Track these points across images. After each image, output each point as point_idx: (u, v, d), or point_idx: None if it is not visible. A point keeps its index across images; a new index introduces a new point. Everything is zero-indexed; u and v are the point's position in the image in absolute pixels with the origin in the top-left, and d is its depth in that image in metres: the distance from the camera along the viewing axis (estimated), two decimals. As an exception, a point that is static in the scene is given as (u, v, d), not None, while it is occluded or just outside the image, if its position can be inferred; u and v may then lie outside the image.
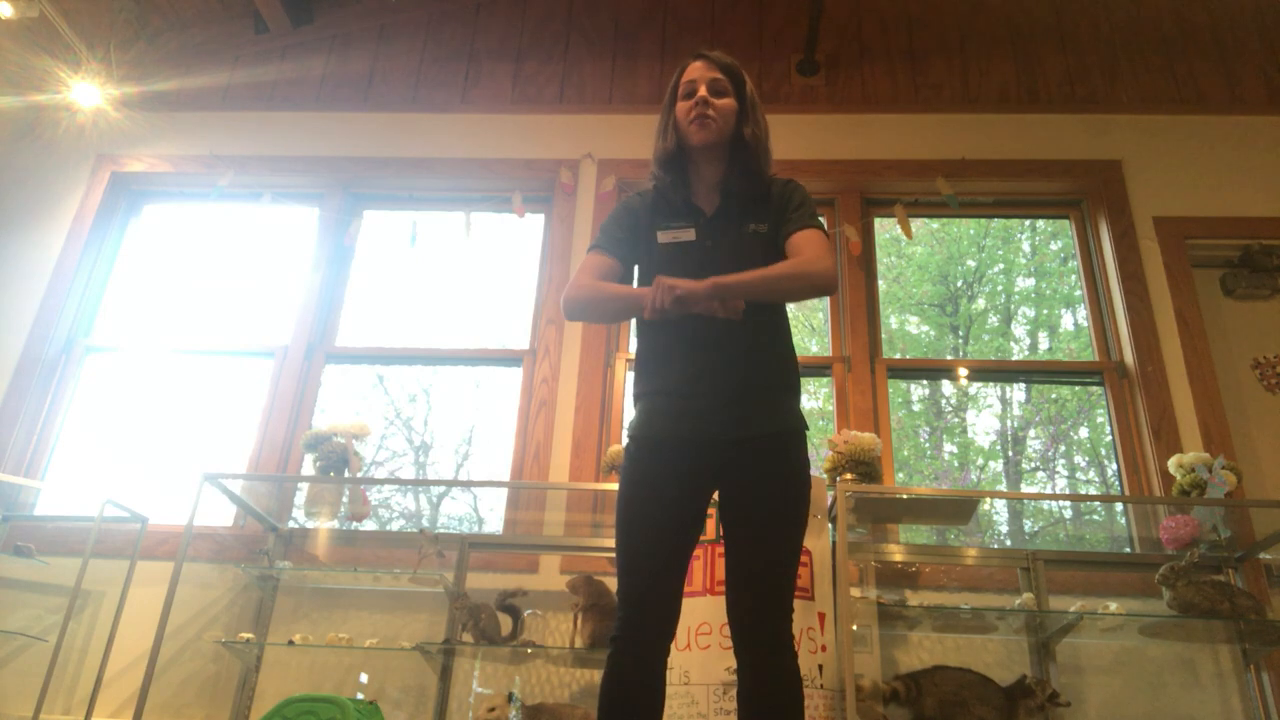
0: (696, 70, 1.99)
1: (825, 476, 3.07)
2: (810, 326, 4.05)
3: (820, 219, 1.96)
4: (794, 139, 3.98)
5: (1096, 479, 3.73)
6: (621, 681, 1.69)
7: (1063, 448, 3.81)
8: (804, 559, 2.65)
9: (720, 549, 2.17)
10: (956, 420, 3.88)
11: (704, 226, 1.95)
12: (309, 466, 3.34)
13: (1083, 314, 3.82)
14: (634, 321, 2.02)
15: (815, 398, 3.79)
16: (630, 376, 3.58)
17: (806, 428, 1.88)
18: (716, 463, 1.81)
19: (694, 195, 2.00)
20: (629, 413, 2.80)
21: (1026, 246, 4.28)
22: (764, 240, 1.93)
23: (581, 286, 1.91)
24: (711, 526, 2.52)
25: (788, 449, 1.82)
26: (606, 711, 1.68)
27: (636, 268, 2.01)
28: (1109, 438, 3.51)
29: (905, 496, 2.98)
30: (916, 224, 4.03)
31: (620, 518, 1.80)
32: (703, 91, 1.95)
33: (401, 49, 4.38)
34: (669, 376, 1.86)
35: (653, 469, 1.81)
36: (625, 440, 1.90)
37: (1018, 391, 3.88)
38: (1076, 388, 3.76)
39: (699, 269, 1.83)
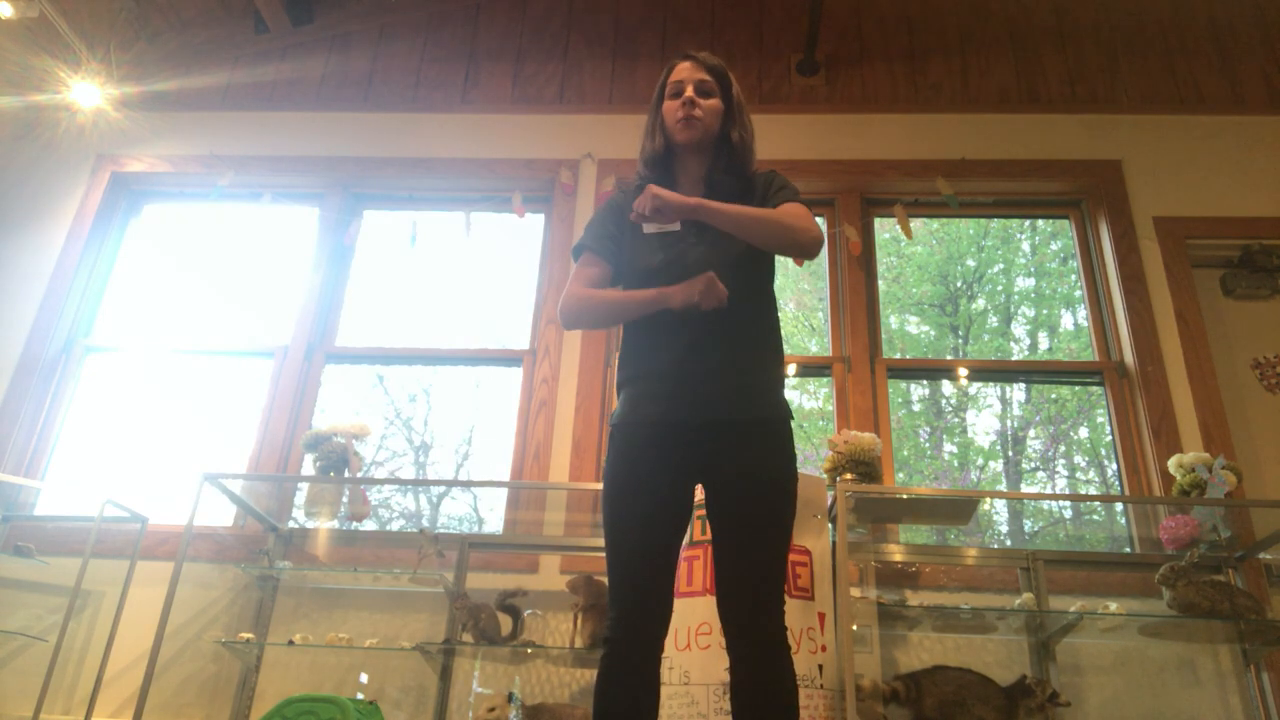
0: (684, 71, 2.02)
1: (825, 476, 3.07)
2: (810, 326, 4.05)
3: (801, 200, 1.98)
4: (794, 139, 3.98)
5: (1096, 479, 3.73)
6: (617, 682, 1.69)
7: (1063, 448, 3.81)
8: (804, 559, 2.65)
9: (719, 549, 2.16)
10: (956, 420, 3.88)
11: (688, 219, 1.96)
12: (309, 466, 3.34)
13: (1083, 314, 3.82)
14: None
15: (815, 398, 3.79)
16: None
17: (791, 417, 1.87)
18: (700, 450, 1.80)
19: (678, 189, 2.02)
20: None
21: (1026, 246, 4.28)
22: None
23: (575, 296, 1.93)
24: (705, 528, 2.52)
25: (772, 436, 1.82)
26: (603, 712, 1.68)
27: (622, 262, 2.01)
28: (1109, 438, 3.51)
29: (905, 496, 2.98)
30: (916, 224, 4.03)
31: (607, 513, 1.80)
32: (689, 92, 1.98)
33: (401, 49, 4.38)
34: (653, 362, 1.86)
35: (636, 456, 1.81)
36: (609, 431, 1.90)
37: (1018, 391, 3.89)
38: (1076, 388, 3.76)
39: (682, 258, 1.87)
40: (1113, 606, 2.86)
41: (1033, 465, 3.81)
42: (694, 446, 1.81)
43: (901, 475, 3.53)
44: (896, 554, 3.16)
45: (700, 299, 1.76)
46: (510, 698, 2.72)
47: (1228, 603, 2.72)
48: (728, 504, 1.79)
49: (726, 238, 1.89)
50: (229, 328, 3.90)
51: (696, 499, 1.89)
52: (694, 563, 2.63)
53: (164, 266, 4.06)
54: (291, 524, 3.33)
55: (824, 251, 3.84)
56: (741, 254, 1.88)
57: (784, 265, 3.83)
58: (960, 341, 4.09)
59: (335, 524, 3.29)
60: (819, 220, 3.94)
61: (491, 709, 2.68)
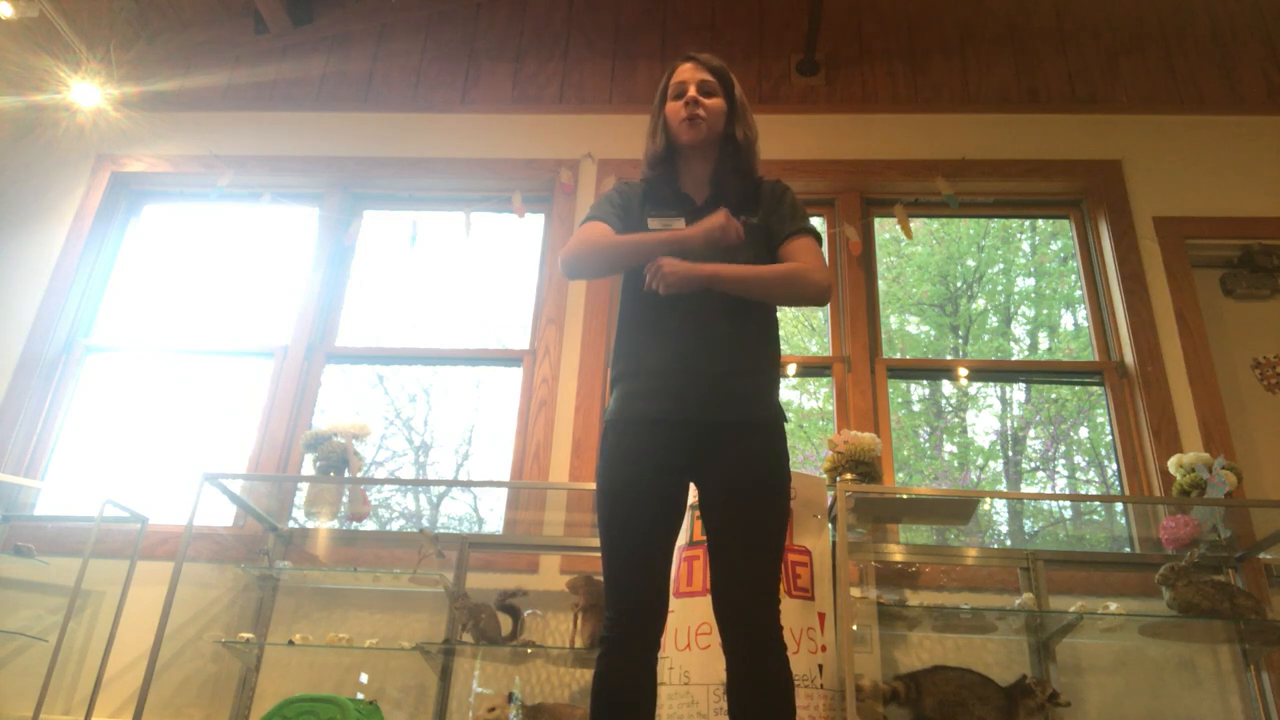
0: (686, 72, 2.03)
1: (825, 476, 3.07)
2: (810, 326, 4.05)
3: (815, 227, 1.99)
4: (794, 139, 3.98)
5: (1096, 479, 3.73)
6: (615, 682, 1.70)
7: (1063, 448, 3.81)
8: (804, 559, 2.65)
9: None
10: (956, 420, 3.88)
11: (694, 215, 1.96)
12: (309, 466, 3.34)
13: (1083, 314, 3.82)
14: (617, 306, 2.03)
15: (815, 398, 3.79)
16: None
17: (786, 419, 1.88)
18: (694, 448, 1.80)
19: (683, 188, 2.04)
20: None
21: (1026, 246, 4.28)
22: (753, 230, 1.95)
23: (584, 240, 1.92)
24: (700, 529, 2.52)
25: (766, 437, 1.82)
26: (600, 712, 1.68)
27: None
28: (1109, 438, 3.51)
29: (905, 496, 2.98)
30: (916, 224, 4.03)
31: (601, 512, 1.79)
32: (692, 92, 2.00)
33: (401, 49, 4.38)
34: (649, 359, 1.86)
35: (630, 454, 1.80)
36: (602, 427, 1.90)
37: (1018, 391, 3.88)
38: (1076, 388, 3.76)
39: (687, 257, 1.86)
40: (1113, 606, 2.86)
41: (1033, 465, 3.81)
42: (688, 445, 1.81)
43: (901, 475, 3.53)
44: (896, 554, 3.16)
45: (721, 234, 1.78)
46: (510, 698, 2.73)
47: (1228, 603, 2.72)
48: (720, 504, 1.79)
49: None
50: (229, 328, 3.90)
51: (693, 498, 1.89)
52: (694, 562, 2.63)
53: (164, 266, 4.06)
54: (291, 524, 3.33)
55: (824, 251, 3.84)
56: (741, 253, 1.88)
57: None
58: (960, 341, 4.09)
59: (335, 524, 3.29)
60: (819, 220, 3.94)
61: (491, 709, 2.68)
